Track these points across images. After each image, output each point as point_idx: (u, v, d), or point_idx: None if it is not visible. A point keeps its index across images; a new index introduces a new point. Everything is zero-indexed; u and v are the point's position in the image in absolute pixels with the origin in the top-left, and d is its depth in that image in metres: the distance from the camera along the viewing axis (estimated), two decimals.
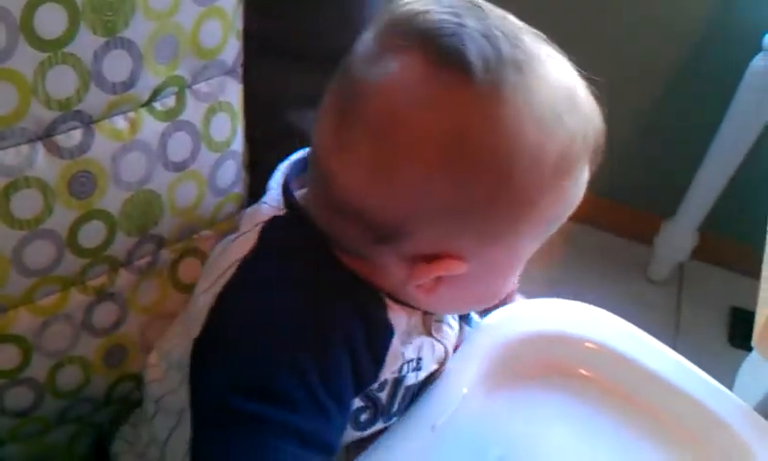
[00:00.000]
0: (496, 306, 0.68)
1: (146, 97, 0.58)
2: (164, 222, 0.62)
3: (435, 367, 0.62)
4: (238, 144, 0.65)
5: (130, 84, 0.56)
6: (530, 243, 0.54)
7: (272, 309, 0.52)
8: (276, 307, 0.52)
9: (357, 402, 0.56)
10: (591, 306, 0.73)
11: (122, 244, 0.61)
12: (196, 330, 0.54)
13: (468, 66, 0.47)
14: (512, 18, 0.52)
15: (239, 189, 0.67)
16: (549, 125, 0.49)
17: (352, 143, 0.50)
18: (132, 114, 0.58)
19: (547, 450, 0.64)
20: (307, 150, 0.59)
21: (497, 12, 0.51)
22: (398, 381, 0.59)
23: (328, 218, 0.53)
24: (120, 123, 0.57)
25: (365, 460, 0.58)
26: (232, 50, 0.62)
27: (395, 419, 0.61)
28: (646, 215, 1.74)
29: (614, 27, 1.60)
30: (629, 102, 1.60)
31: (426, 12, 0.50)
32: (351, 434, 0.59)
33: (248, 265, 0.54)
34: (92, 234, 0.59)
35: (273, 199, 0.57)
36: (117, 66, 0.55)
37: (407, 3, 0.51)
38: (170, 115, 0.60)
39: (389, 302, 0.55)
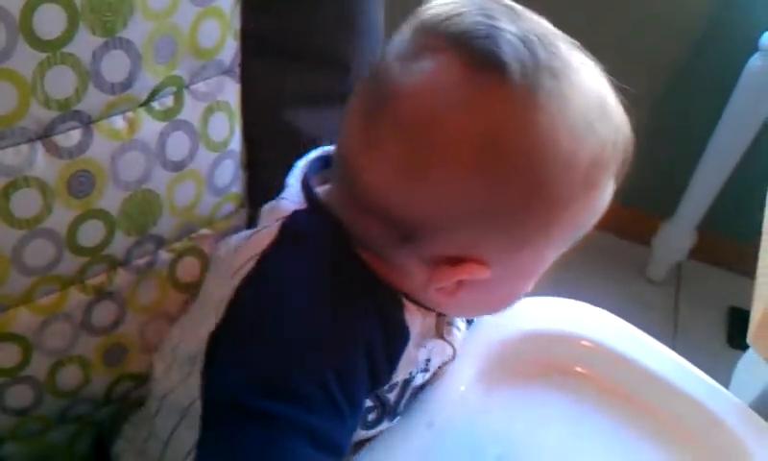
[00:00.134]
0: None
1: (144, 97, 0.58)
2: (163, 221, 0.62)
3: (439, 366, 0.63)
4: (236, 143, 0.65)
5: (128, 84, 0.56)
6: (555, 249, 0.55)
7: (291, 306, 0.51)
8: (296, 304, 0.51)
9: (367, 403, 0.56)
10: (590, 306, 0.74)
11: (121, 243, 0.61)
12: (211, 324, 0.53)
13: (504, 68, 0.47)
14: (545, 22, 0.51)
15: (237, 188, 0.67)
16: (581, 133, 0.49)
17: (382, 141, 0.50)
18: (130, 114, 0.58)
19: (545, 449, 0.64)
20: (325, 148, 0.59)
21: (529, 14, 0.51)
22: (407, 382, 0.59)
23: (352, 216, 0.53)
24: (119, 123, 0.57)
25: (364, 459, 0.59)
26: (230, 50, 0.62)
27: (398, 418, 0.61)
28: (644, 215, 1.74)
29: (616, 26, 1.60)
30: (629, 102, 1.60)
31: (459, 13, 0.50)
32: (358, 434, 0.59)
33: (268, 259, 0.53)
34: (91, 234, 0.59)
35: (292, 195, 0.57)
36: (116, 66, 0.55)
37: (440, 4, 0.51)
38: (168, 115, 0.60)
39: (406, 302, 0.54)
